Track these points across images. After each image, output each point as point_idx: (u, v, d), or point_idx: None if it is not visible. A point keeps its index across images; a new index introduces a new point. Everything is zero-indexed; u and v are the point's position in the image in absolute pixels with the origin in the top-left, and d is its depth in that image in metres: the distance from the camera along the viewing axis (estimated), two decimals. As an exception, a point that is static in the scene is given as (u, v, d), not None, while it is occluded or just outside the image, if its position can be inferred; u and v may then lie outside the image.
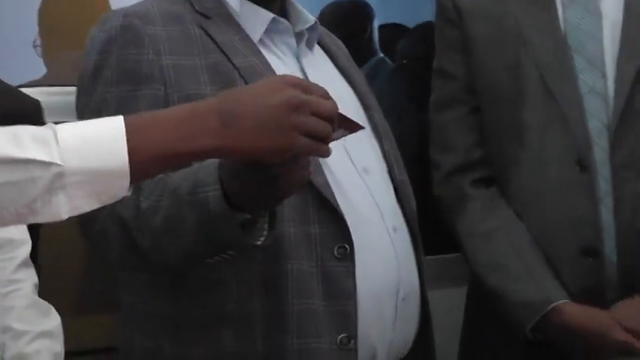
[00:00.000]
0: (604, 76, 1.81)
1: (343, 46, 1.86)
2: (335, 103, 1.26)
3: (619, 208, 1.78)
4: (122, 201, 1.29)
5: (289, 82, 1.24)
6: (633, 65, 1.80)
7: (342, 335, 1.53)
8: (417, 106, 2.78)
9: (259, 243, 1.39)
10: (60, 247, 2.00)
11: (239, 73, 1.55)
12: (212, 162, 1.36)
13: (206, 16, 1.61)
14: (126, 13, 1.58)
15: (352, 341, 1.53)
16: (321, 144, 1.24)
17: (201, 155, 1.22)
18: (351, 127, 1.32)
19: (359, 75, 1.81)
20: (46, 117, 1.95)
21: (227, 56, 1.57)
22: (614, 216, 1.79)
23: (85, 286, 2.13)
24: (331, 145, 1.28)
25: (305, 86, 1.24)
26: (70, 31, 2.34)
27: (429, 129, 1.99)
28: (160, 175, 1.40)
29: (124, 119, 1.16)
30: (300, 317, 1.51)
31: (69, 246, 1.95)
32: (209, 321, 1.52)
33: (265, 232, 1.40)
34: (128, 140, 1.14)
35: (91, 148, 1.13)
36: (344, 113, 1.29)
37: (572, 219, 1.79)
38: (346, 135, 1.33)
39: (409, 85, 2.92)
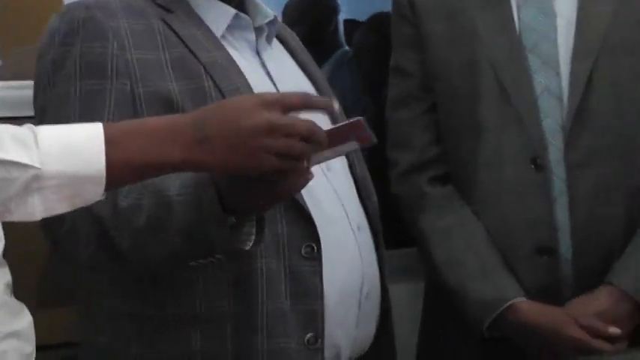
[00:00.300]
0: (558, 75, 1.83)
1: (299, 41, 1.85)
2: (311, 122, 1.28)
3: (574, 207, 1.81)
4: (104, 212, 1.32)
5: (266, 102, 1.26)
6: (587, 64, 1.82)
7: (310, 335, 1.54)
8: (371, 97, 2.78)
9: (247, 247, 1.40)
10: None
11: (204, 69, 1.55)
12: None
13: (167, 10, 1.60)
14: (88, 5, 1.56)
15: (319, 340, 1.54)
16: (293, 162, 1.28)
17: (174, 167, 1.25)
18: (365, 138, 1.33)
19: (317, 69, 1.82)
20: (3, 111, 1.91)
21: (191, 51, 1.56)
22: (570, 215, 1.81)
23: (46, 279, 2.11)
24: None
25: (283, 104, 1.26)
26: (25, 26, 2.30)
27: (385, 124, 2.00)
28: None
29: (103, 126, 1.19)
30: (270, 317, 1.51)
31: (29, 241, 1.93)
32: (178, 320, 1.52)
33: (253, 237, 1.41)
34: (106, 148, 1.17)
35: (69, 153, 1.16)
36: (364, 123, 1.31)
37: (528, 218, 1.81)
38: (355, 148, 1.36)
39: (363, 76, 2.92)
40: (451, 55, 1.88)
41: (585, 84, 1.81)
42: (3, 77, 2.04)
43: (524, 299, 1.80)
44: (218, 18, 1.63)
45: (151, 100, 1.50)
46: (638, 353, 1.78)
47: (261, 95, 1.31)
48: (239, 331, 1.50)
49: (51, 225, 1.44)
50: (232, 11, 1.63)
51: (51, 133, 1.17)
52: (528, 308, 1.80)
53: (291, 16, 3.04)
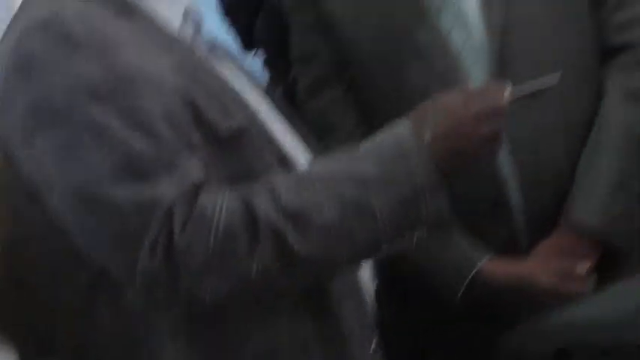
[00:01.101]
0: (472, 28, 1.79)
1: None
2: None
3: (517, 156, 1.77)
4: (255, 201, 1.26)
5: None
6: (499, 11, 1.78)
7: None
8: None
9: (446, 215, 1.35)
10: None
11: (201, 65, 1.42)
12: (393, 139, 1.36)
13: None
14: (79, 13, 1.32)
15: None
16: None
17: None
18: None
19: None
20: None
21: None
22: (513, 164, 1.77)
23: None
24: None
25: None
26: None
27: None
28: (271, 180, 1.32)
29: None
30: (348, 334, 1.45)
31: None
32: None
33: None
34: None
35: None
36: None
37: (474, 176, 1.73)
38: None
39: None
40: (360, 27, 1.81)
41: (501, 31, 1.77)
42: None
43: (488, 259, 1.77)
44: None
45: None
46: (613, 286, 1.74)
47: None
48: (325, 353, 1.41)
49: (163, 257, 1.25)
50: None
51: None
52: (493, 268, 1.76)
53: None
